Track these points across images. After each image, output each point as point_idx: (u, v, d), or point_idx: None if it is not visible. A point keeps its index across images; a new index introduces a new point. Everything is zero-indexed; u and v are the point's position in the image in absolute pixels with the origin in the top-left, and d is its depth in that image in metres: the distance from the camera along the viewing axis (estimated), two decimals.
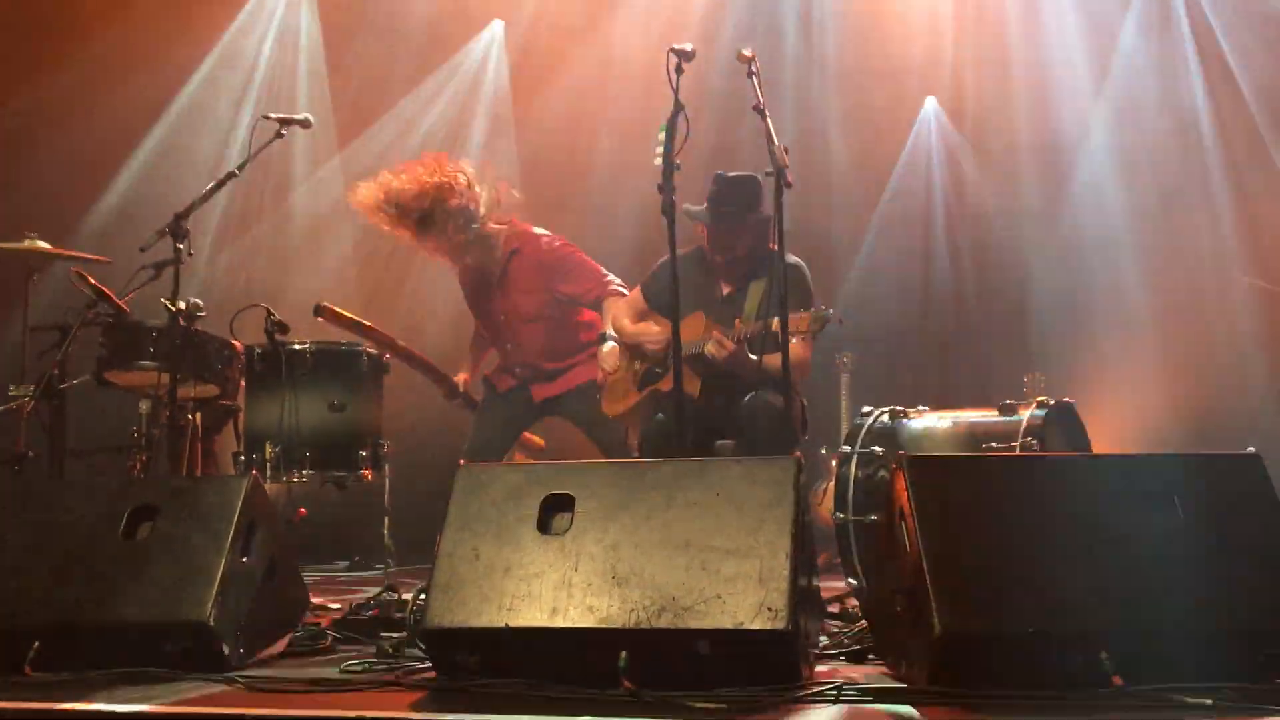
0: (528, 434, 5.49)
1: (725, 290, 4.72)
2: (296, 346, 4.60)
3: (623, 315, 4.98)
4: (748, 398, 4.46)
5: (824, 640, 3.29)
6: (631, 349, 4.90)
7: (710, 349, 4.42)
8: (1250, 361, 7.38)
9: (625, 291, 5.11)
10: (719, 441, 4.61)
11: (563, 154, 8.01)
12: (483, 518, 2.89)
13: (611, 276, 5.19)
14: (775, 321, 3.91)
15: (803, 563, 2.74)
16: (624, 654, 2.59)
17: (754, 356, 4.31)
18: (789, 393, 4.03)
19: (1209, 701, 2.39)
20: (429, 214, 4.94)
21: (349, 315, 4.99)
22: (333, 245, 8.07)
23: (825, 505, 5.65)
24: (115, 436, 5.32)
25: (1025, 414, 4.00)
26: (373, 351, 4.86)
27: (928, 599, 2.55)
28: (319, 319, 4.95)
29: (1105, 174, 7.88)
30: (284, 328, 4.54)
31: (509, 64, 8.52)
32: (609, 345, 4.96)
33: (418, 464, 6.43)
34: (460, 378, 5.43)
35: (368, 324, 5.02)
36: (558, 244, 5.24)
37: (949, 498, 2.76)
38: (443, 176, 4.94)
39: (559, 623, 2.68)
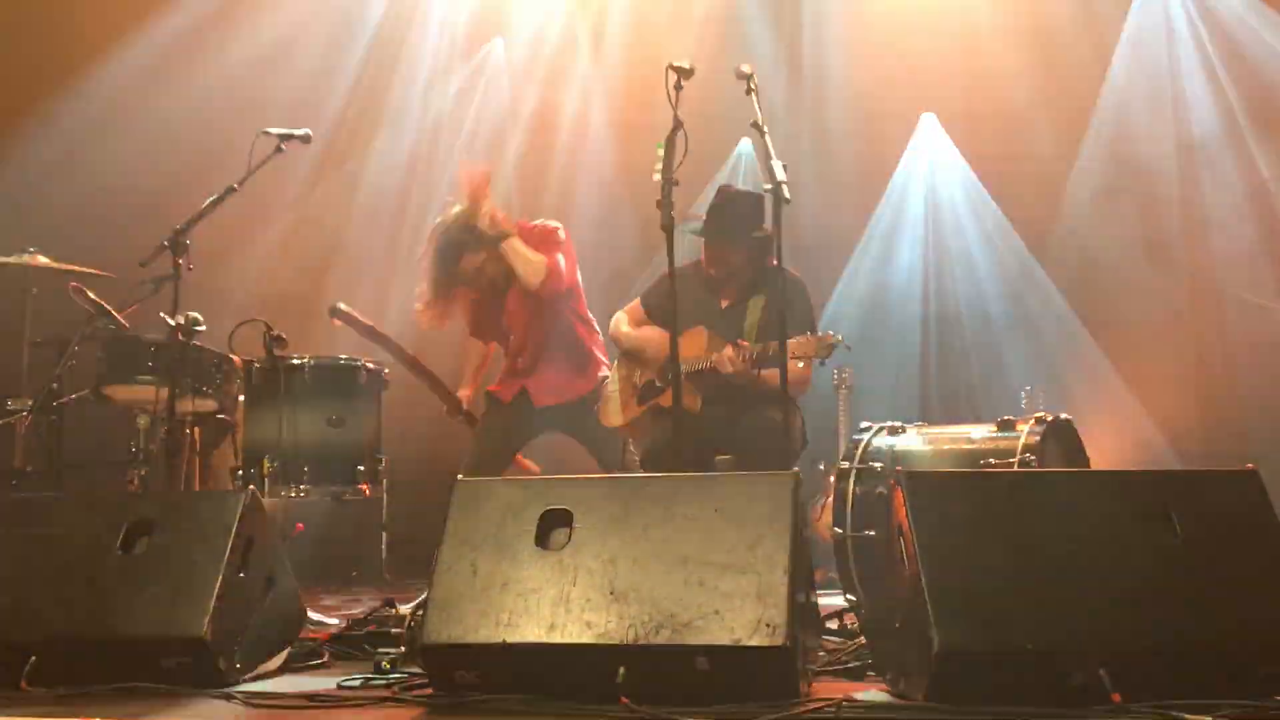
0: (525, 462, 5.47)
1: (725, 304, 4.73)
2: (295, 361, 4.61)
3: (622, 324, 4.99)
4: (748, 414, 4.47)
5: (822, 656, 3.28)
6: (629, 355, 4.90)
7: (723, 364, 4.40)
8: (1248, 378, 7.38)
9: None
10: (718, 457, 4.61)
11: (562, 169, 8.03)
12: (481, 533, 2.88)
13: (558, 260, 4.99)
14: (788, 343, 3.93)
15: (801, 578, 2.74)
16: (622, 670, 2.59)
17: (761, 373, 4.33)
18: (789, 409, 4.03)
19: (1208, 719, 2.39)
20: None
21: (363, 320, 4.99)
22: (332, 261, 8.08)
23: (824, 521, 5.64)
24: (113, 451, 5.32)
25: (1023, 430, 4.00)
26: (371, 366, 4.86)
27: (926, 615, 2.55)
28: (334, 321, 4.95)
29: (1103, 188, 7.89)
30: (282, 342, 4.55)
31: (509, 81, 8.55)
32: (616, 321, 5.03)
33: (415, 479, 6.43)
34: (463, 394, 5.40)
35: (381, 331, 5.02)
36: (551, 230, 5.09)
37: (947, 514, 2.76)
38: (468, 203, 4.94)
39: (557, 638, 2.68)
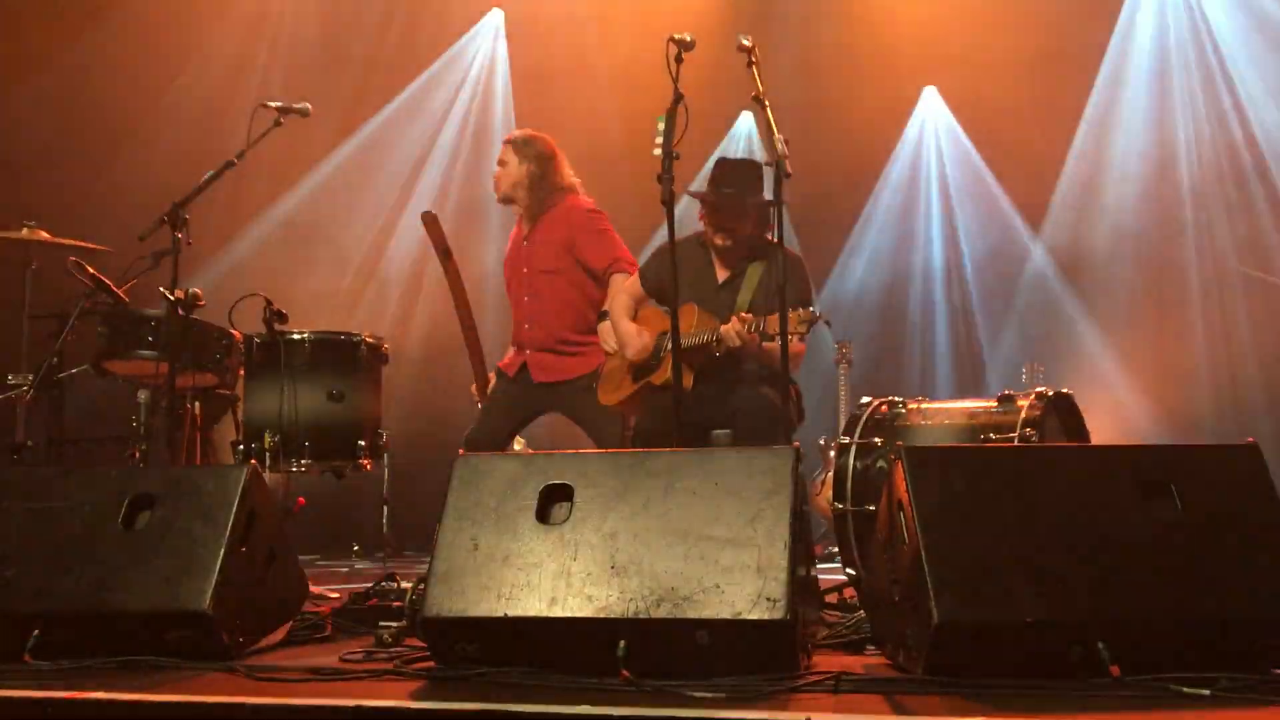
0: (518, 444, 5.48)
1: (722, 277, 4.72)
2: (295, 336, 4.61)
3: (621, 308, 4.97)
4: (740, 390, 4.46)
5: (822, 630, 3.29)
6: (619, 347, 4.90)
7: (730, 337, 4.39)
8: (1248, 352, 7.39)
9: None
10: (715, 432, 4.60)
11: (561, 139, 8.01)
12: (481, 507, 2.89)
13: (630, 258, 5.18)
14: (774, 318, 3.92)
15: (801, 552, 2.74)
16: (622, 643, 2.60)
17: (764, 345, 4.32)
18: (785, 386, 4.03)
19: (1206, 691, 2.40)
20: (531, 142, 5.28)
21: (445, 240, 5.08)
22: (332, 235, 8.07)
23: (824, 495, 5.66)
24: (114, 426, 5.32)
25: (1024, 405, 4.00)
26: (371, 341, 4.86)
27: (925, 589, 2.56)
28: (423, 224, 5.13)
29: (1104, 163, 7.88)
30: (282, 317, 4.55)
31: (508, 52, 8.51)
32: (606, 322, 4.98)
33: (416, 453, 6.45)
34: (492, 377, 5.40)
35: (454, 263, 5.09)
36: (590, 208, 5.24)
37: (947, 488, 2.76)
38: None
39: (558, 612, 2.68)
